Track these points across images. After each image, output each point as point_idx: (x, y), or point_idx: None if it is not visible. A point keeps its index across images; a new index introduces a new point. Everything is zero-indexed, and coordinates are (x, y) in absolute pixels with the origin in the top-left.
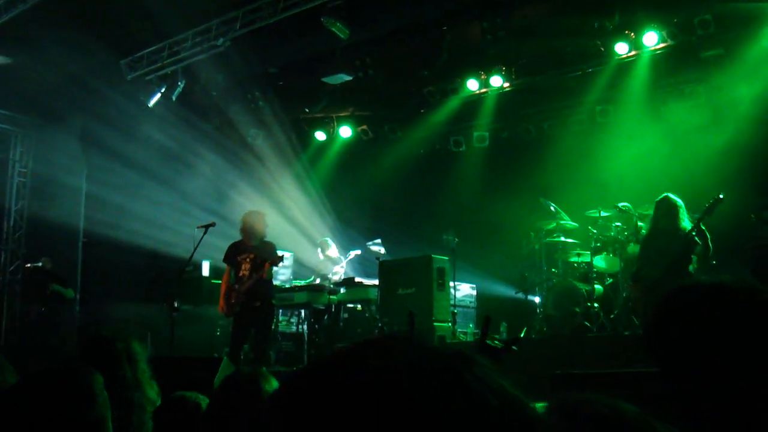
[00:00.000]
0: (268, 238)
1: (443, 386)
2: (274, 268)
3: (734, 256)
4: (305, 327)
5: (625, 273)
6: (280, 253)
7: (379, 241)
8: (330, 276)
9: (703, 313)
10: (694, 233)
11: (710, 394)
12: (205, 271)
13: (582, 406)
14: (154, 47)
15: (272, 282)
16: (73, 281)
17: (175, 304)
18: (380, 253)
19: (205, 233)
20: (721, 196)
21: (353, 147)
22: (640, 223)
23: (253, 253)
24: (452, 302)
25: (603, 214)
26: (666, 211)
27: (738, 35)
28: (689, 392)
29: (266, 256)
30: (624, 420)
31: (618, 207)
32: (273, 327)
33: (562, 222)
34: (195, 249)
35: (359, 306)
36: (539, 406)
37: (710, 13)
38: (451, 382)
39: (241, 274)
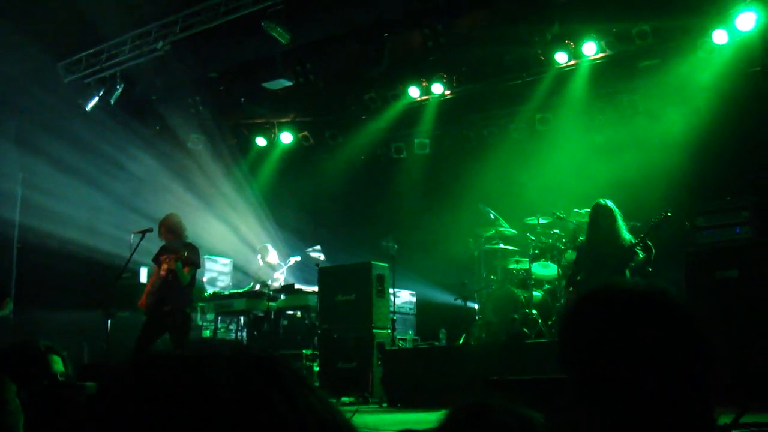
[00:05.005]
0: (212, 244)
1: (238, 398)
2: (211, 275)
3: (669, 262)
4: (245, 334)
5: (563, 280)
6: (224, 259)
7: (318, 247)
8: (270, 283)
9: (604, 319)
10: (639, 247)
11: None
12: (143, 277)
13: (488, 410)
14: (92, 50)
15: (187, 288)
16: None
17: (112, 311)
18: (320, 260)
19: (141, 239)
20: (669, 214)
21: (294, 153)
22: (577, 231)
23: (174, 254)
24: (392, 309)
25: (541, 221)
26: (604, 217)
27: (674, 46)
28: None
29: (182, 257)
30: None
31: (556, 214)
32: (211, 335)
33: (501, 229)
34: (131, 255)
35: (299, 313)
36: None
37: (648, 25)
38: (248, 393)
39: (161, 274)
